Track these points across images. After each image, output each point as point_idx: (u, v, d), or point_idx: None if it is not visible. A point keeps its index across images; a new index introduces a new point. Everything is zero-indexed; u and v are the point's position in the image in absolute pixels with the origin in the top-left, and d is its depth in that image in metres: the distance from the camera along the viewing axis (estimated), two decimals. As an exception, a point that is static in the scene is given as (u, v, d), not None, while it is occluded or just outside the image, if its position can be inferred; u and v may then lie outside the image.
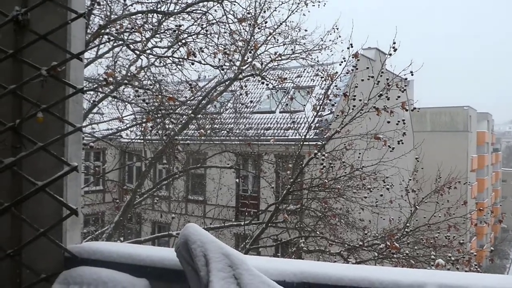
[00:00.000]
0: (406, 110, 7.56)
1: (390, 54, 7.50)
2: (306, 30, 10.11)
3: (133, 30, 7.52)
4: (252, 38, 9.56)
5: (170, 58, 8.01)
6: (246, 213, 10.59)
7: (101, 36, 7.63)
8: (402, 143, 8.06)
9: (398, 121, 7.79)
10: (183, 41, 7.89)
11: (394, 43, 7.54)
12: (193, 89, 8.81)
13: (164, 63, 8.30)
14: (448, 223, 9.48)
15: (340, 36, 9.76)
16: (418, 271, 2.82)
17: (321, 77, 9.34)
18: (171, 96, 7.48)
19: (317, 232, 9.21)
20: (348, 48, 8.13)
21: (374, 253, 8.55)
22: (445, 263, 7.83)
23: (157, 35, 8.25)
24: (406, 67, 7.25)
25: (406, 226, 9.30)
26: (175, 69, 8.19)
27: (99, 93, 8.44)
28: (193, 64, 7.67)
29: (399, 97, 7.54)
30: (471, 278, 2.36)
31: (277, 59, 9.79)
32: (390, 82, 7.56)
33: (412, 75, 7.30)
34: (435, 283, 2.24)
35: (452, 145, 34.38)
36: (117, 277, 2.50)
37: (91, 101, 8.08)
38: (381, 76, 7.82)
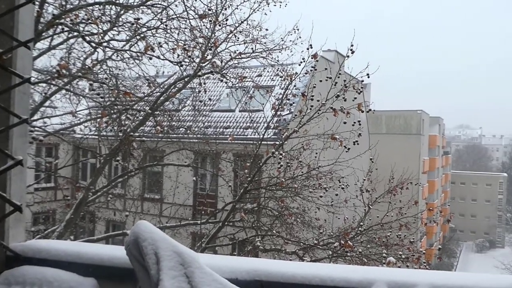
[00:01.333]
0: (362, 112, 7.74)
1: (348, 56, 7.67)
2: (267, 30, 10.15)
3: (89, 21, 7.26)
4: (213, 35, 9.49)
5: (128, 52, 7.81)
6: (203, 212, 10.50)
7: (55, 26, 7.32)
8: (358, 143, 8.24)
9: (354, 122, 7.97)
10: (142, 35, 7.71)
11: (352, 45, 7.72)
12: (151, 84, 8.63)
13: (122, 57, 8.08)
14: (399, 223, 9.78)
15: (300, 37, 9.87)
16: (368, 269, 2.88)
17: (281, 77, 9.40)
18: (127, 91, 7.28)
19: (274, 231, 9.27)
20: (307, 48, 8.24)
21: (329, 251, 8.70)
22: (396, 261, 8.10)
23: (115, 28, 8.03)
24: (363, 69, 7.43)
25: (360, 225, 9.53)
26: (133, 63, 7.99)
27: (52, 86, 8.10)
28: (150, 59, 7.51)
29: (355, 98, 7.71)
30: (418, 275, 2.43)
31: (237, 57, 9.77)
32: (347, 84, 7.72)
33: (368, 77, 7.48)
34: (384, 280, 2.29)
35: (406, 148, 35.61)
36: (63, 276, 2.40)
37: (43, 94, 7.73)
38: (338, 77, 7.97)
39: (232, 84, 9.94)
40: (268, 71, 13.62)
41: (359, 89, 7.87)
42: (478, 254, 56.09)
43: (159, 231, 2.26)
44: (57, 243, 2.79)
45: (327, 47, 11.78)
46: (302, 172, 9.09)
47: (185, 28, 8.50)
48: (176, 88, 10.10)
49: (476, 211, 61.45)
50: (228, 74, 9.87)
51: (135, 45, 7.93)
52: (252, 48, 9.99)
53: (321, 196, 9.01)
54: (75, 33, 7.40)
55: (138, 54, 7.67)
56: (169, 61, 8.20)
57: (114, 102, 8.04)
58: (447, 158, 56.77)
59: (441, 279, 2.32)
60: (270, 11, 9.90)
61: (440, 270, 2.75)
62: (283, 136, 8.66)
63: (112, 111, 8.40)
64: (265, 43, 10.10)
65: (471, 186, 62.52)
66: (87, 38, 7.25)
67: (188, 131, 10.99)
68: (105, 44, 7.47)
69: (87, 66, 7.63)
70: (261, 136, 8.97)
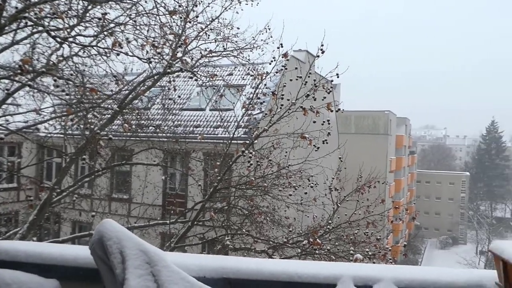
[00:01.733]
0: (331, 111, 7.84)
1: (318, 56, 7.75)
2: (238, 28, 10.12)
3: (55, 16, 7.03)
4: (183, 33, 9.40)
5: (95, 48, 7.62)
6: (172, 212, 10.40)
7: (18, 20, 7.07)
8: (327, 143, 8.34)
9: (324, 122, 8.06)
10: (110, 31, 7.54)
11: (322, 45, 7.80)
12: (119, 82, 8.46)
13: (89, 53, 7.89)
14: (367, 220, 9.96)
15: (271, 37, 9.86)
16: (334, 264, 2.93)
17: (252, 76, 9.39)
18: (93, 88, 7.10)
19: (243, 230, 9.27)
20: (278, 47, 8.27)
21: (298, 250, 8.77)
22: (363, 258, 8.23)
23: (82, 23, 7.82)
24: (333, 69, 7.53)
25: (329, 223, 9.65)
26: (100, 60, 7.81)
27: (14, 82, 7.82)
28: (118, 55, 7.35)
29: (324, 98, 7.80)
30: (382, 270, 2.48)
31: (208, 55, 9.70)
32: (317, 83, 7.80)
33: (338, 77, 7.58)
34: (349, 275, 2.34)
35: (373, 147, 36.33)
36: (22, 278, 2.32)
37: (5, 91, 7.45)
38: (309, 77, 8.04)
39: (203, 83, 9.87)
40: (239, 70, 13.62)
41: (329, 89, 7.96)
42: (441, 250, 57.84)
43: (125, 230, 2.22)
44: (16, 243, 2.70)
45: (300, 47, 11.87)
46: (272, 171, 9.13)
47: (155, 24, 8.38)
48: (145, 86, 9.95)
49: (440, 209, 63.33)
50: (198, 72, 9.79)
51: (103, 41, 7.75)
52: (223, 47, 9.96)
53: (290, 195, 9.07)
54: (40, 28, 7.16)
55: (106, 50, 7.50)
56: (138, 58, 8.05)
57: (80, 100, 7.83)
58: (413, 158, 58.24)
59: (404, 273, 2.39)
60: (242, 9, 9.88)
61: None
62: (253, 135, 8.67)
63: (78, 109, 8.18)
64: (236, 41, 10.07)
65: (436, 184, 64.40)
66: (53, 33, 7.02)
67: (158, 130, 10.84)
68: (71, 39, 7.25)
69: (52, 62, 7.40)
70: (231, 135, 8.95)
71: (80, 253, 2.43)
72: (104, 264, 2.13)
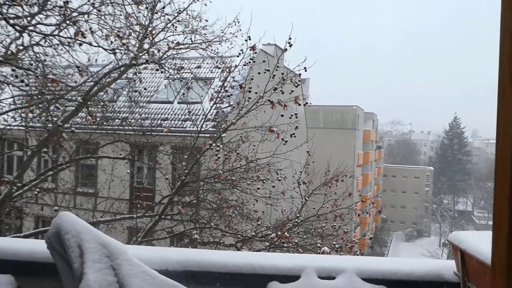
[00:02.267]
0: (299, 105, 7.89)
1: (286, 49, 7.77)
2: (207, 21, 10.00)
3: (14, 3, 6.75)
4: (150, 24, 9.22)
5: (57, 37, 7.36)
6: (139, 206, 10.24)
7: (-26, 8, 6.75)
8: (295, 136, 8.39)
9: (291, 115, 8.10)
10: (73, 20, 7.30)
11: (290, 39, 7.82)
12: (82, 73, 8.22)
13: (50, 43, 7.62)
14: (334, 214, 10.09)
15: (240, 30, 9.80)
16: (298, 256, 2.95)
17: (219, 68, 9.31)
18: (55, 78, 6.86)
19: (212, 224, 9.23)
20: (246, 40, 8.24)
21: (266, 243, 8.81)
22: (330, 251, 8.36)
23: (43, 12, 7.54)
24: (301, 63, 7.56)
25: (297, 217, 9.73)
26: (62, 49, 7.55)
27: (-29, 72, 7.50)
28: (81, 45, 7.13)
29: (292, 91, 7.83)
30: (345, 261, 2.52)
31: (176, 47, 9.56)
32: (285, 77, 7.83)
33: (305, 71, 7.62)
34: (313, 266, 2.35)
35: (341, 142, 36.90)
36: (-26, 274, 2.22)
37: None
38: (276, 70, 8.05)
39: (170, 75, 9.73)
40: (207, 63, 13.47)
41: (297, 83, 8.00)
42: (407, 243, 59.48)
43: (84, 223, 2.16)
44: (-32, 238, 2.58)
45: (269, 40, 11.86)
46: (241, 164, 9.11)
47: (120, 15, 8.18)
48: (111, 78, 9.73)
49: (405, 202, 65.04)
50: (166, 64, 9.64)
51: (65, 30, 7.50)
52: (191, 39, 9.83)
53: (258, 188, 9.09)
54: (-2, 16, 6.87)
55: (69, 40, 7.26)
56: (103, 48, 7.85)
57: (42, 91, 7.57)
58: (379, 152, 59.47)
59: (366, 264, 2.43)
60: (211, 1, 9.77)
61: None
62: (221, 128, 8.63)
63: (39, 101, 7.91)
64: (205, 34, 9.95)
65: (401, 179, 66.05)
66: (11, 21, 6.75)
67: (124, 123, 10.63)
68: (31, 28, 6.99)
69: (11, 52, 7.11)
70: (199, 129, 8.88)
71: (36, 247, 2.35)
72: (62, 258, 2.06)
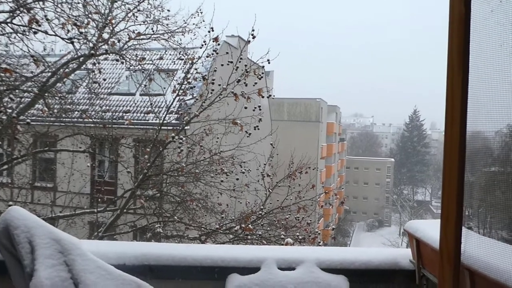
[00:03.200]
0: (263, 97, 7.89)
1: (249, 41, 7.74)
2: (169, 11, 9.81)
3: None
4: (110, 13, 8.96)
5: (10, 25, 7.02)
6: (100, 200, 10.00)
7: None
8: (258, 129, 8.40)
9: (255, 108, 8.09)
10: (27, 6, 6.97)
11: (253, 30, 7.80)
12: (37, 62, 7.89)
13: (3, 31, 7.26)
14: (298, 205, 10.20)
15: (204, 21, 9.65)
16: (258, 248, 2.96)
17: (182, 60, 9.16)
18: (7, 68, 6.56)
19: (176, 217, 9.14)
20: (209, 31, 8.15)
21: (230, 236, 8.81)
22: (293, 242, 8.45)
23: (-5, -2, 7.18)
24: (264, 55, 7.56)
25: (261, 209, 9.78)
26: (16, 38, 7.21)
27: None
28: (36, 33, 6.83)
29: (256, 83, 7.82)
30: (305, 251, 2.54)
31: (137, 38, 9.34)
32: (248, 69, 7.80)
33: (269, 63, 7.63)
34: (273, 258, 2.36)
35: (305, 134, 37.29)
36: None
37: None
38: (240, 62, 8.01)
39: (131, 66, 9.50)
40: (170, 55, 13.27)
41: (260, 75, 7.99)
42: (368, 233, 61.03)
43: (35, 218, 2.07)
44: None
45: (232, 32, 11.79)
46: (204, 157, 9.05)
47: (78, 2, 7.89)
48: (70, 69, 9.41)
49: (367, 193, 66.64)
50: (127, 55, 9.41)
51: (19, 18, 7.16)
52: (152, 29, 9.63)
53: (222, 181, 9.05)
54: None
55: (23, 28, 6.94)
56: (60, 37, 7.56)
57: (-6, 81, 7.22)
58: (343, 145, 60.57)
59: (326, 254, 2.46)
60: (173, -10, 9.59)
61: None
62: (184, 121, 8.52)
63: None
64: (167, 24, 9.76)
65: (364, 170, 67.58)
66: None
67: (84, 115, 10.32)
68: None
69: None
70: (162, 121, 8.73)
71: (-16, 244, 2.23)
72: (11, 254, 1.97)
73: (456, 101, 1.49)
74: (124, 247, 2.36)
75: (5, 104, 7.76)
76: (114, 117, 12.38)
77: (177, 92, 8.71)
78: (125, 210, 9.18)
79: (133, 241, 7.69)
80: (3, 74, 7.04)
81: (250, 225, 8.12)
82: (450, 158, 1.44)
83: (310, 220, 10.71)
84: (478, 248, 1.74)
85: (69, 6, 7.70)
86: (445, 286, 1.68)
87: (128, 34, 9.17)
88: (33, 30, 6.74)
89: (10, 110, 8.38)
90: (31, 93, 8.69)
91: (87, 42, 8.58)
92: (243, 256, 2.34)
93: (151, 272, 2.22)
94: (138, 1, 9.05)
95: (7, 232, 1.97)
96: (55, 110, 9.32)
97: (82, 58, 9.25)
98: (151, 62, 10.14)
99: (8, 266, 1.98)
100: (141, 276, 2.12)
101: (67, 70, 9.31)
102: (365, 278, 2.43)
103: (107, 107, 12.26)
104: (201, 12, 9.60)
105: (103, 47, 8.88)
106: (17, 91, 8.20)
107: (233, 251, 2.43)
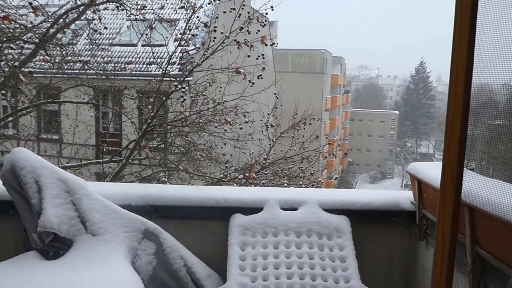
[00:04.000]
0: (266, 45, 7.74)
1: (252, -13, 7.50)
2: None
3: None
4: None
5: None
6: (105, 150, 10.11)
7: None
8: (262, 78, 8.30)
9: (258, 56, 7.96)
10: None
11: (256, -24, 7.54)
12: (36, 11, 7.70)
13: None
14: (302, 156, 10.28)
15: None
16: (261, 189, 3.00)
17: (183, 7, 8.92)
18: (5, 15, 6.41)
19: (180, 167, 9.24)
20: (211, -23, 7.87)
21: (234, 185, 8.93)
22: (297, 191, 8.58)
23: None
24: (267, 1, 7.34)
25: (265, 159, 9.86)
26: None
27: None
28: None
29: (259, 31, 7.65)
30: (307, 193, 2.58)
31: (136, -15, 9.07)
32: (251, 16, 7.61)
33: (272, 9, 7.42)
34: (276, 198, 2.40)
35: (310, 86, 36.88)
36: None
37: None
38: (242, 9, 7.79)
39: (130, 14, 9.28)
40: (171, 3, 12.91)
41: (263, 22, 7.80)
42: (371, 184, 61.74)
43: (40, 158, 2.10)
44: None
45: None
46: (208, 107, 9.02)
47: None
48: (69, 19, 9.21)
49: (371, 145, 66.81)
50: (127, 4, 9.17)
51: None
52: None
53: (225, 130, 9.07)
54: None
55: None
56: (57, -16, 7.33)
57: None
58: (347, 97, 60.07)
59: (327, 196, 2.49)
60: None
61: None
62: (187, 70, 8.43)
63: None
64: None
65: (368, 122, 67.39)
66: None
67: (86, 66, 10.22)
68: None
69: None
70: (164, 71, 8.64)
71: (-8, 185, 2.28)
72: (18, 194, 2.01)
73: (462, 53, 1.47)
74: (129, 188, 2.40)
75: (6, 55, 7.67)
76: (117, 68, 12.25)
77: (179, 41, 8.55)
78: (130, 161, 9.28)
79: (138, 183, 7.81)
80: (1, 22, 6.90)
81: (254, 174, 8.22)
82: (453, 110, 1.43)
83: (314, 170, 10.81)
84: (478, 186, 1.76)
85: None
86: (444, 223, 1.72)
87: (127, -19, 8.90)
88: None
89: (12, 62, 8.30)
90: (32, 44, 8.57)
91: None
92: (246, 197, 2.38)
93: (156, 212, 2.27)
94: None
95: (14, 173, 2.00)
96: (57, 61, 9.21)
97: (81, 7, 9.04)
98: (152, 11, 9.88)
99: (17, 206, 2.03)
100: (146, 216, 2.17)
101: (67, 20, 9.12)
102: (367, 219, 2.47)
103: (109, 58, 12.10)
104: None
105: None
106: (17, 41, 8.08)
107: (236, 192, 2.47)
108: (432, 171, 2.25)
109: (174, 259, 2.15)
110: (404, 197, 2.60)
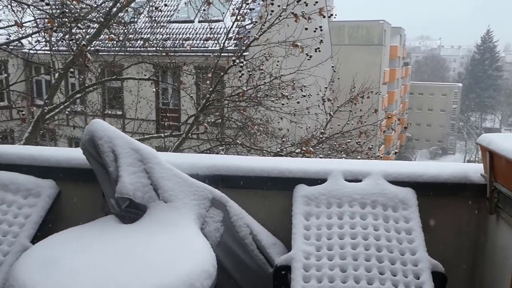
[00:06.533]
0: (324, 17, 7.58)
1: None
2: None
3: None
4: None
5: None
6: (166, 125, 10.46)
7: None
8: (319, 50, 8.17)
9: (316, 29, 7.82)
10: None
11: None
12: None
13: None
14: (359, 130, 10.10)
15: None
16: (325, 160, 2.99)
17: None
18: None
19: (238, 142, 9.40)
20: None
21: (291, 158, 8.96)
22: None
23: None
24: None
25: (322, 133, 9.79)
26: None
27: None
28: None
29: (316, 2, 7.49)
30: (372, 164, 2.54)
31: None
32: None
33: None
34: (340, 169, 2.39)
35: (367, 58, 35.74)
36: (19, 179, 2.36)
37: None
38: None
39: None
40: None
41: (321, -7, 7.62)
42: (431, 160, 59.62)
43: (114, 129, 2.22)
44: (7, 147, 2.71)
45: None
46: (265, 82, 9.04)
47: None
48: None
49: (431, 120, 64.10)
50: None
51: None
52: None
53: (282, 105, 9.07)
54: None
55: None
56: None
57: (63, 10, 7.46)
58: (406, 69, 57.66)
59: (392, 167, 2.45)
60: None
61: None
62: (244, 44, 8.45)
63: (61, 22, 7.83)
64: None
65: (428, 96, 64.53)
66: None
67: (147, 43, 10.53)
68: None
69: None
70: (221, 47, 8.72)
71: (72, 154, 2.46)
72: (97, 162, 2.15)
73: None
74: (196, 159, 2.49)
75: (75, 34, 8.06)
76: (175, 45, 12.51)
77: (235, 16, 8.57)
78: (189, 135, 9.55)
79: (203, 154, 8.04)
80: (69, 2, 7.25)
81: (311, 148, 8.20)
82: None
83: (371, 145, 10.60)
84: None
85: None
86: (520, 196, 1.65)
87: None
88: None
89: (79, 41, 8.71)
90: (97, 23, 8.93)
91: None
92: (310, 168, 2.39)
93: (222, 182, 2.35)
94: None
95: (93, 142, 2.13)
96: (120, 39, 9.56)
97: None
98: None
99: (96, 173, 2.17)
100: (213, 185, 2.25)
101: (127, -2, 9.39)
102: (433, 192, 2.41)
103: (168, 35, 12.36)
104: None
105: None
106: (84, 21, 8.45)
107: (300, 164, 2.49)
108: (505, 142, 2.14)
109: (240, 227, 2.22)
110: (473, 169, 2.49)
